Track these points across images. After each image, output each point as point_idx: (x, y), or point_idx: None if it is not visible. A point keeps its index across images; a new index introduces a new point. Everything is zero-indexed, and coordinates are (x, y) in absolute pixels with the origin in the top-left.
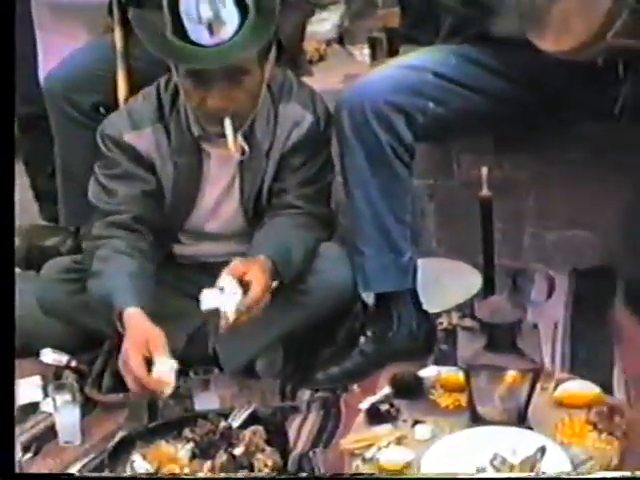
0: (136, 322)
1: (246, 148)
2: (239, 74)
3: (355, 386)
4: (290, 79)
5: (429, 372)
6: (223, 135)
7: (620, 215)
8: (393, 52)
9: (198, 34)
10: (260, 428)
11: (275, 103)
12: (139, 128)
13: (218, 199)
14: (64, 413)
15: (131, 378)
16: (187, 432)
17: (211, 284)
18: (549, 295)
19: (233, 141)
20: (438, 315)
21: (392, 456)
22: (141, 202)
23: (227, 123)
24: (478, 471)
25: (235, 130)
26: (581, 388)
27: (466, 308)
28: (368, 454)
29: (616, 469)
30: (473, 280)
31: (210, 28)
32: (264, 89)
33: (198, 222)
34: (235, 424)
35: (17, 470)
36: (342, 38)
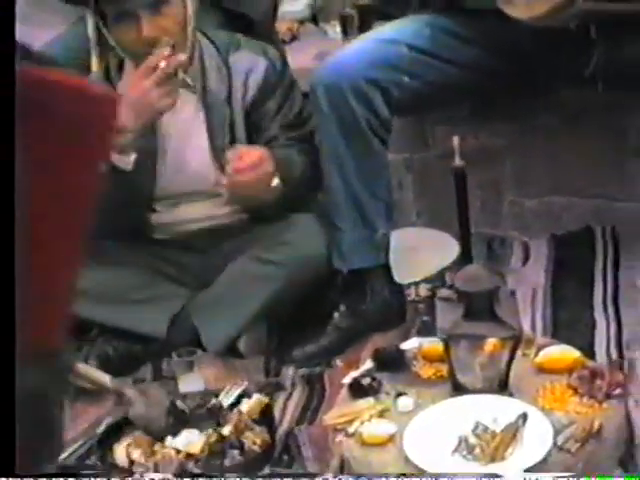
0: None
1: (189, 81)
2: (160, 4)
3: (339, 361)
4: (237, 37)
5: (411, 344)
6: None
7: None
8: (365, 28)
9: None
10: (250, 406)
11: (222, 55)
12: None
13: (180, 154)
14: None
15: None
16: (178, 403)
17: (191, 264)
18: (525, 262)
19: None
20: (410, 286)
21: (375, 429)
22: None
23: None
24: (460, 441)
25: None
26: (561, 352)
27: (442, 278)
28: (351, 429)
29: (598, 432)
30: (451, 249)
31: None
32: (192, 20)
33: (165, 183)
34: (226, 403)
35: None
36: (316, 17)
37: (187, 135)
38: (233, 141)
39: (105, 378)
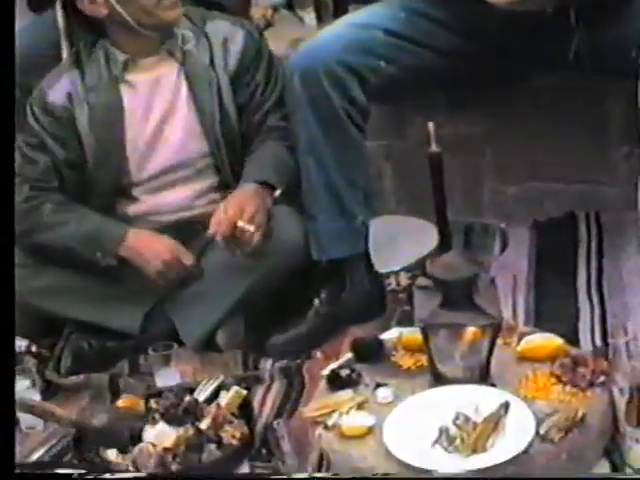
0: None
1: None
2: None
3: (318, 353)
4: (211, 11)
5: (390, 334)
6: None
7: None
8: (340, 14)
9: None
10: (228, 399)
11: (198, 25)
12: (57, 81)
13: (159, 127)
14: (21, 403)
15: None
16: (152, 403)
17: None
18: (502, 249)
19: None
20: (390, 275)
21: (353, 421)
22: (62, 170)
23: None
24: (441, 432)
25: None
26: (544, 340)
27: (423, 266)
28: (330, 421)
29: (582, 421)
30: (431, 237)
31: None
32: None
33: (141, 162)
34: (201, 397)
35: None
36: (291, 3)
37: (170, 108)
38: (221, 109)
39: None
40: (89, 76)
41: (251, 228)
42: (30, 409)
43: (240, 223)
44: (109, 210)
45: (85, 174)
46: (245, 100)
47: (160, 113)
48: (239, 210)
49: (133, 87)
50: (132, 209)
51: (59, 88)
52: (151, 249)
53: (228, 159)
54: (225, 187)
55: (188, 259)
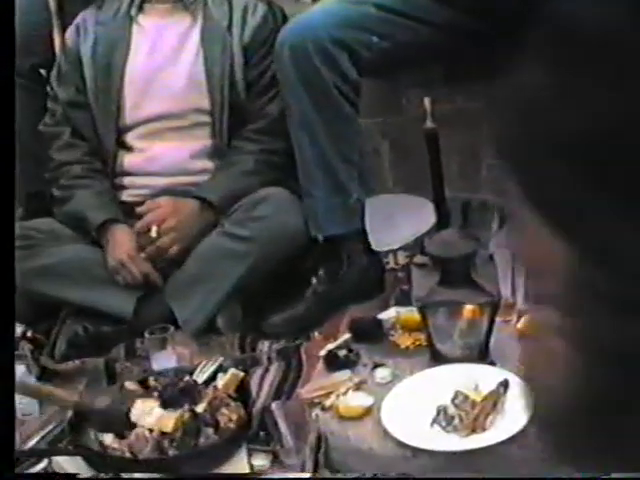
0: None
1: None
2: None
3: (316, 333)
4: None
5: (388, 314)
6: None
7: None
8: None
9: None
10: (225, 381)
11: None
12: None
13: (158, 73)
14: (20, 385)
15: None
16: (151, 381)
17: None
18: (501, 225)
19: None
20: (388, 254)
21: (351, 402)
22: (72, 113)
23: None
24: (439, 411)
25: None
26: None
27: (421, 245)
28: (327, 402)
29: None
30: (429, 215)
31: None
32: None
33: (136, 101)
34: (199, 380)
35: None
36: None
37: (174, 56)
38: (232, 74)
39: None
40: (104, 12)
41: (160, 240)
42: (29, 391)
43: (154, 228)
44: (114, 167)
45: (89, 112)
46: (253, 78)
47: (163, 56)
48: (163, 217)
49: (142, 28)
50: (127, 161)
51: (72, 25)
52: (117, 243)
53: (227, 125)
54: (218, 155)
55: (143, 267)
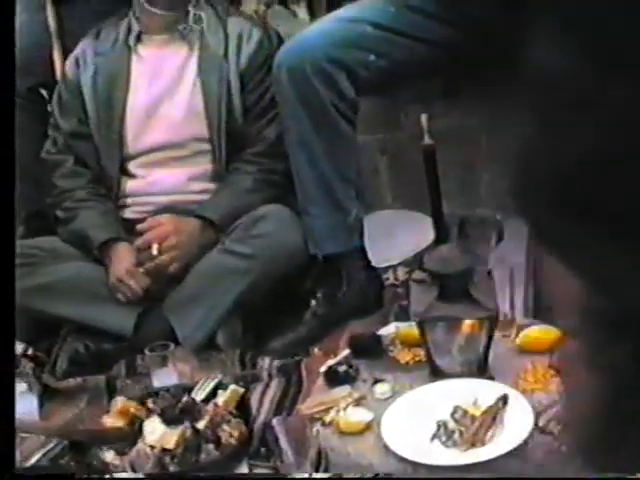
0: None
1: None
2: None
3: (316, 349)
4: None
5: (388, 329)
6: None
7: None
8: (333, 8)
9: None
10: (226, 398)
11: (220, 17)
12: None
13: (158, 101)
14: (21, 403)
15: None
16: (149, 403)
17: None
18: (499, 241)
19: None
20: (387, 270)
21: (351, 417)
22: (74, 142)
23: None
24: (439, 426)
25: None
26: (541, 332)
27: (420, 260)
28: (328, 418)
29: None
30: (428, 230)
31: None
32: None
33: (137, 132)
34: (199, 397)
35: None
36: None
37: (173, 85)
38: (229, 100)
39: None
40: (102, 42)
41: (160, 257)
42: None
43: (155, 246)
44: (117, 192)
45: (91, 142)
46: (250, 103)
47: (163, 87)
48: (164, 235)
49: (141, 58)
50: (130, 186)
51: (72, 56)
52: (117, 260)
53: (226, 150)
54: (218, 179)
55: (142, 282)
